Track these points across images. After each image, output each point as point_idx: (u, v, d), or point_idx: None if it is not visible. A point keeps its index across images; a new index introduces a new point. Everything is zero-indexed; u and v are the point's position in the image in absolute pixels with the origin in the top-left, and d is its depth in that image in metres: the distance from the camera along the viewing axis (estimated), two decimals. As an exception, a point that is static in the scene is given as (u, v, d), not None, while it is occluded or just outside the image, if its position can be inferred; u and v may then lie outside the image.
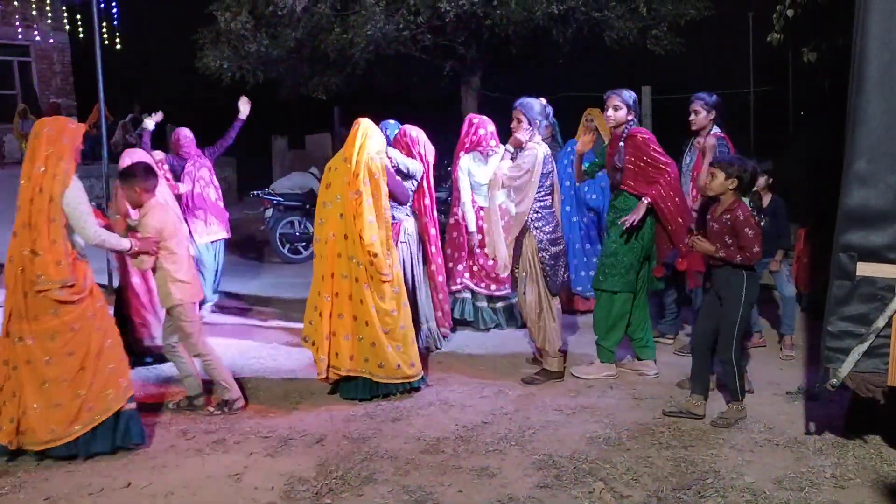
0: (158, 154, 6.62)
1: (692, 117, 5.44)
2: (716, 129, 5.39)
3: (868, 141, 3.54)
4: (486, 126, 6.27)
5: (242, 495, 3.64)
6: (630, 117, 4.99)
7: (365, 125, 4.92)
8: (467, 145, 6.29)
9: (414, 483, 3.70)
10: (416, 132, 5.76)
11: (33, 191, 3.94)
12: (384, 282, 4.76)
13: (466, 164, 6.27)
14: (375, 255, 4.69)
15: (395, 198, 4.90)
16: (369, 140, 4.85)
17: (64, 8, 17.74)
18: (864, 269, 3.59)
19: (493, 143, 6.23)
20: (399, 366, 4.81)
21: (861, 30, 3.54)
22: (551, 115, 5.32)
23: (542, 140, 5.19)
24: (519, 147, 5.01)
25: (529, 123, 5.01)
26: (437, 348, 5.90)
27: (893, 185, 3.52)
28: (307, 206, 10.46)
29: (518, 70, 13.90)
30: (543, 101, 5.12)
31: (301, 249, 10.30)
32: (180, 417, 4.64)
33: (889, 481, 3.61)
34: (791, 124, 16.88)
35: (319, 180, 11.50)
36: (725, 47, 15.73)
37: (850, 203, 3.61)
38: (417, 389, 4.96)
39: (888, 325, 3.54)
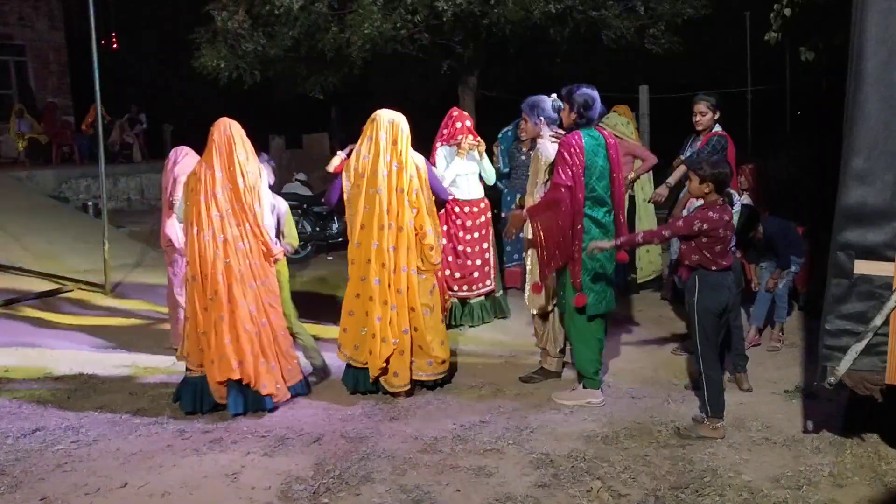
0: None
1: (698, 118, 5.43)
2: (717, 128, 5.41)
3: (866, 139, 3.53)
4: (463, 120, 6.42)
5: (239, 495, 3.62)
6: (573, 117, 4.65)
7: (403, 123, 4.86)
8: (444, 136, 6.46)
9: (411, 482, 3.69)
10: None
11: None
12: (435, 268, 4.93)
13: (443, 153, 6.45)
14: (432, 248, 4.86)
15: (438, 196, 5.07)
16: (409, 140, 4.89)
17: (60, 7, 17.70)
18: (862, 267, 3.57)
19: (469, 137, 6.34)
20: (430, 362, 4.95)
21: (859, 27, 3.53)
22: (561, 109, 5.27)
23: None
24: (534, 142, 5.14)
25: (535, 122, 5.07)
26: None
27: (891, 183, 3.51)
28: (304, 206, 10.46)
29: (516, 69, 13.89)
30: (552, 97, 5.13)
31: (298, 249, 10.28)
32: (178, 417, 4.63)
33: (887, 480, 3.61)
34: (789, 123, 16.89)
35: (307, 185, 11.59)
36: (723, 46, 15.71)
37: (847, 201, 3.60)
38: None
39: (886, 323, 3.53)
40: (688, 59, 13.07)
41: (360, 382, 4.92)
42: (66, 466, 3.96)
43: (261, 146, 7.22)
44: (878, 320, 3.53)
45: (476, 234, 6.54)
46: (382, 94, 14.14)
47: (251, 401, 4.62)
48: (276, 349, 4.75)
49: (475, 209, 6.55)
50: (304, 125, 17.02)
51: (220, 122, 4.79)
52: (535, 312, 5.11)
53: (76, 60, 17.48)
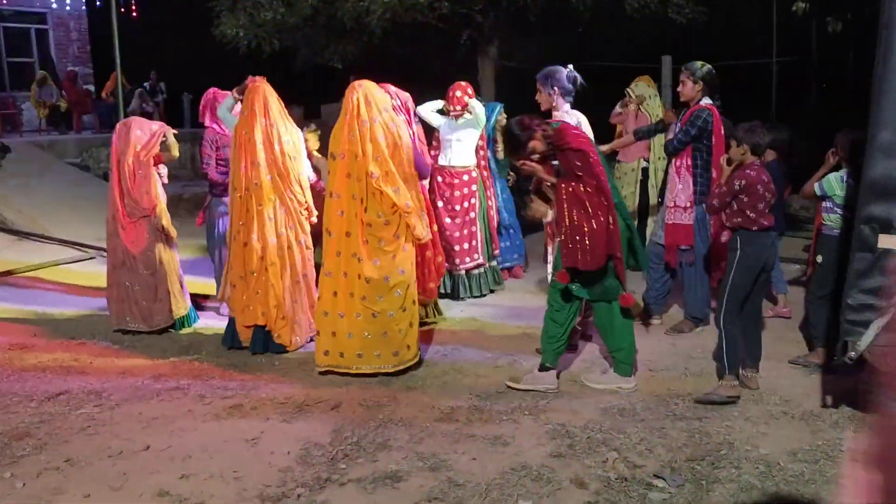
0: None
1: (679, 88, 5.37)
2: (706, 100, 5.29)
3: (893, 111, 3.46)
4: (457, 89, 6.39)
5: (259, 459, 3.68)
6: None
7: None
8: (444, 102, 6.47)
9: (428, 450, 3.72)
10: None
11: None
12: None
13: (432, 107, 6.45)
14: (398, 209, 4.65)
15: (418, 170, 4.81)
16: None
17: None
18: (886, 241, 3.53)
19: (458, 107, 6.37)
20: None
21: (890, -4, 3.45)
22: (578, 80, 5.16)
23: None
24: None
25: (549, 93, 4.98)
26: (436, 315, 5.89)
27: (918, 157, 3.45)
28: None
29: (536, 39, 13.71)
30: (568, 67, 5.02)
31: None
32: (198, 383, 4.70)
33: (905, 455, 3.59)
34: (813, 95, 16.59)
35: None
36: (748, 17, 15.40)
37: (873, 174, 3.55)
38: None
39: (909, 298, 3.50)
40: (712, 30, 12.83)
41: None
42: (89, 430, 4.04)
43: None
44: (901, 295, 3.49)
45: (458, 207, 6.45)
46: (401, 64, 14.03)
47: (269, 344, 5.22)
48: (309, 300, 5.31)
49: (459, 179, 6.44)
50: (323, 95, 16.95)
51: (259, 87, 5.12)
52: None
53: (97, 29, 17.47)
